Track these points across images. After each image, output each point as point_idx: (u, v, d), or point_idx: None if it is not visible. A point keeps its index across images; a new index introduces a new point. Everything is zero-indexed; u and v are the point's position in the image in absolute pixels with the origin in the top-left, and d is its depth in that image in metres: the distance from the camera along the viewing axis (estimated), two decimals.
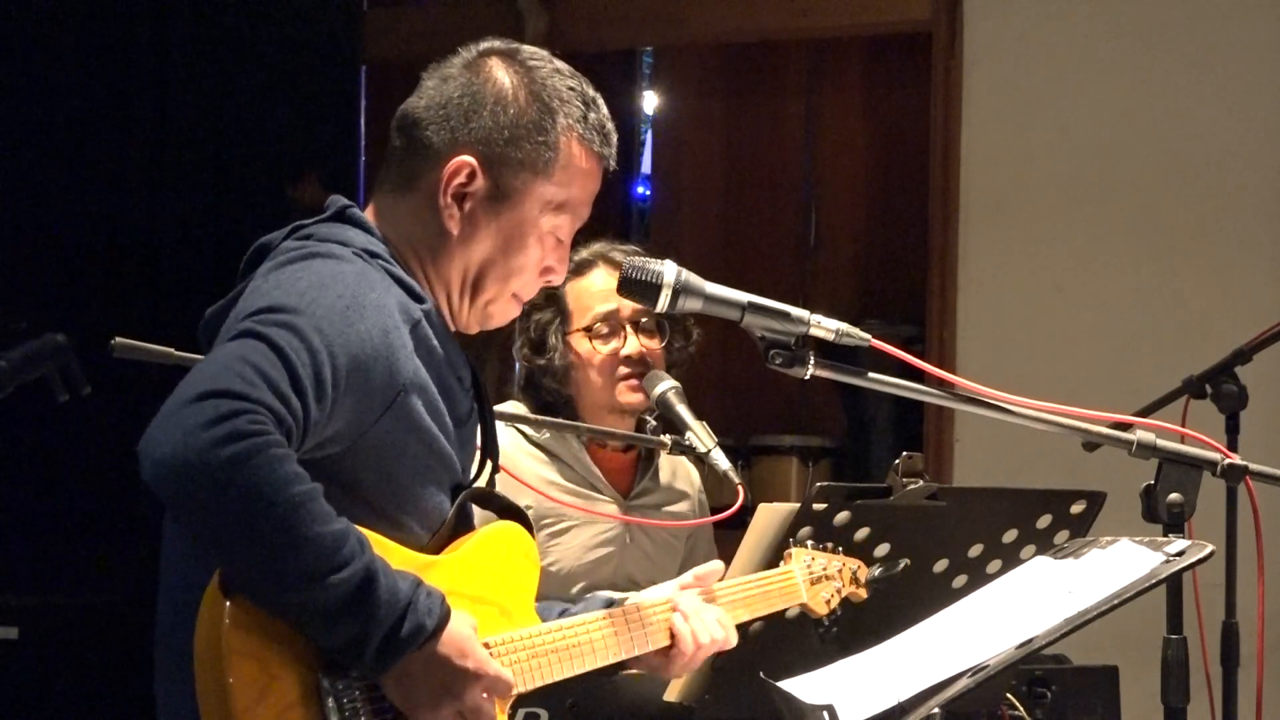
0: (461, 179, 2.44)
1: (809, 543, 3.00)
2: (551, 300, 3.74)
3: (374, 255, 2.40)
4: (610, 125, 2.55)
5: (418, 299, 2.40)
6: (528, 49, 2.54)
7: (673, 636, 2.65)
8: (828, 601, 2.96)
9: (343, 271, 2.32)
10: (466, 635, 2.25)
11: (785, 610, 3.08)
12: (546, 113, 2.47)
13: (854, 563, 3.02)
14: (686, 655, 2.65)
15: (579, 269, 3.75)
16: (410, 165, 2.48)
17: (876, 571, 3.06)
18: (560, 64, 2.54)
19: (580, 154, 2.50)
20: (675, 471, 3.86)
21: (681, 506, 3.83)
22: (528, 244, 2.48)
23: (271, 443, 2.09)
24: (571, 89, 2.51)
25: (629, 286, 2.50)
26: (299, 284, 2.27)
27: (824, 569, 2.97)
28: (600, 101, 2.55)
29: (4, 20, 5.84)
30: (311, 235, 2.41)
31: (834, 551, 3.01)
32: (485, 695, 2.26)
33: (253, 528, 2.09)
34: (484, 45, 2.53)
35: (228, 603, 2.15)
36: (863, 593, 3.03)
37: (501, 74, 2.48)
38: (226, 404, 2.09)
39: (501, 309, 2.53)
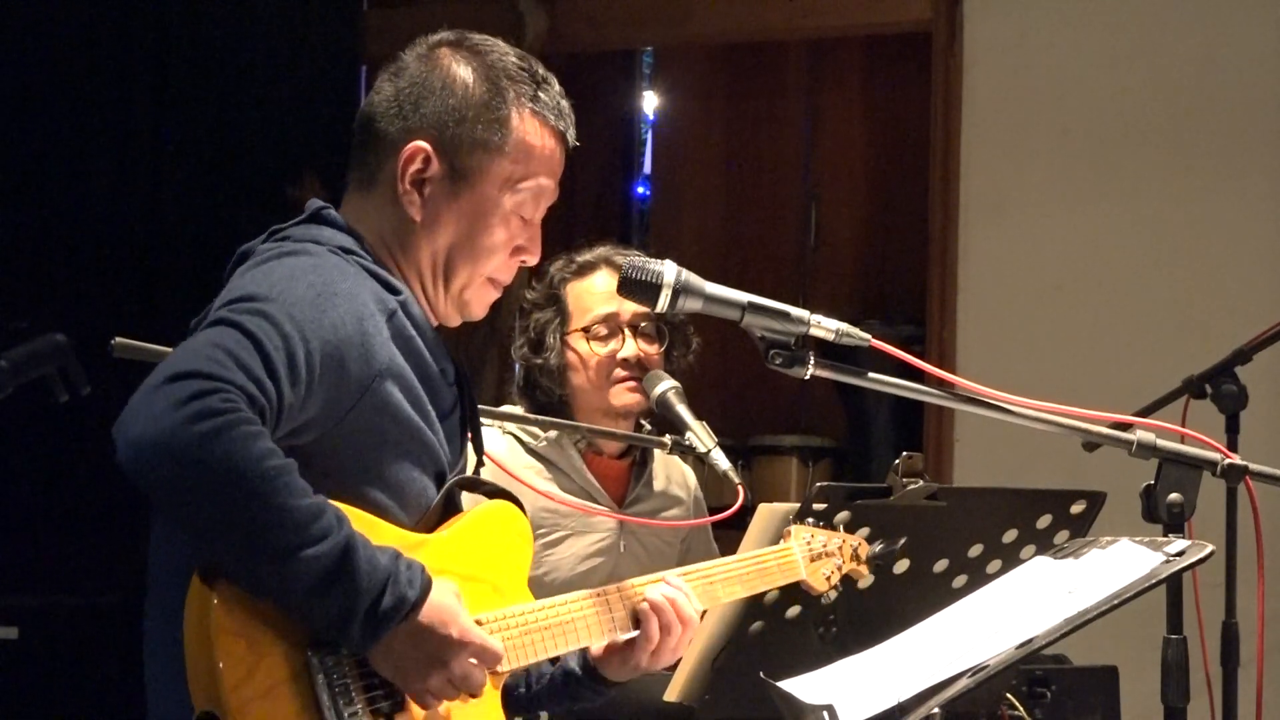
0: (417, 165, 2.46)
1: (809, 520, 3.00)
2: (552, 300, 3.75)
3: (348, 251, 2.41)
4: (565, 103, 2.54)
5: (393, 290, 2.41)
6: (476, 36, 2.55)
7: (638, 624, 2.60)
8: (828, 578, 2.95)
9: (316, 264, 2.34)
10: (449, 604, 2.26)
11: (786, 610, 3.08)
12: (495, 91, 2.48)
13: (855, 540, 3.02)
14: (651, 642, 2.60)
15: (581, 270, 3.75)
16: (370, 161, 2.50)
17: (878, 548, 3.05)
18: (509, 48, 2.55)
19: (535, 129, 2.50)
20: (669, 477, 3.85)
21: (676, 512, 3.83)
22: (492, 224, 2.48)
23: (243, 419, 2.10)
24: (521, 68, 2.51)
25: (629, 286, 2.49)
26: (271, 276, 2.30)
27: (824, 546, 2.96)
28: (553, 81, 2.55)
29: (4, 20, 5.84)
30: (288, 237, 2.44)
31: (834, 529, 3.01)
32: (473, 662, 2.27)
33: (226, 503, 2.10)
34: (433, 38, 2.55)
35: (214, 585, 2.16)
36: (864, 569, 3.02)
37: (449, 60, 2.50)
38: (197, 384, 2.10)
39: (477, 295, 2.53)
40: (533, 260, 2.56)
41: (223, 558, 2.16)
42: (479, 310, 2.55)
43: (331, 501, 2.19)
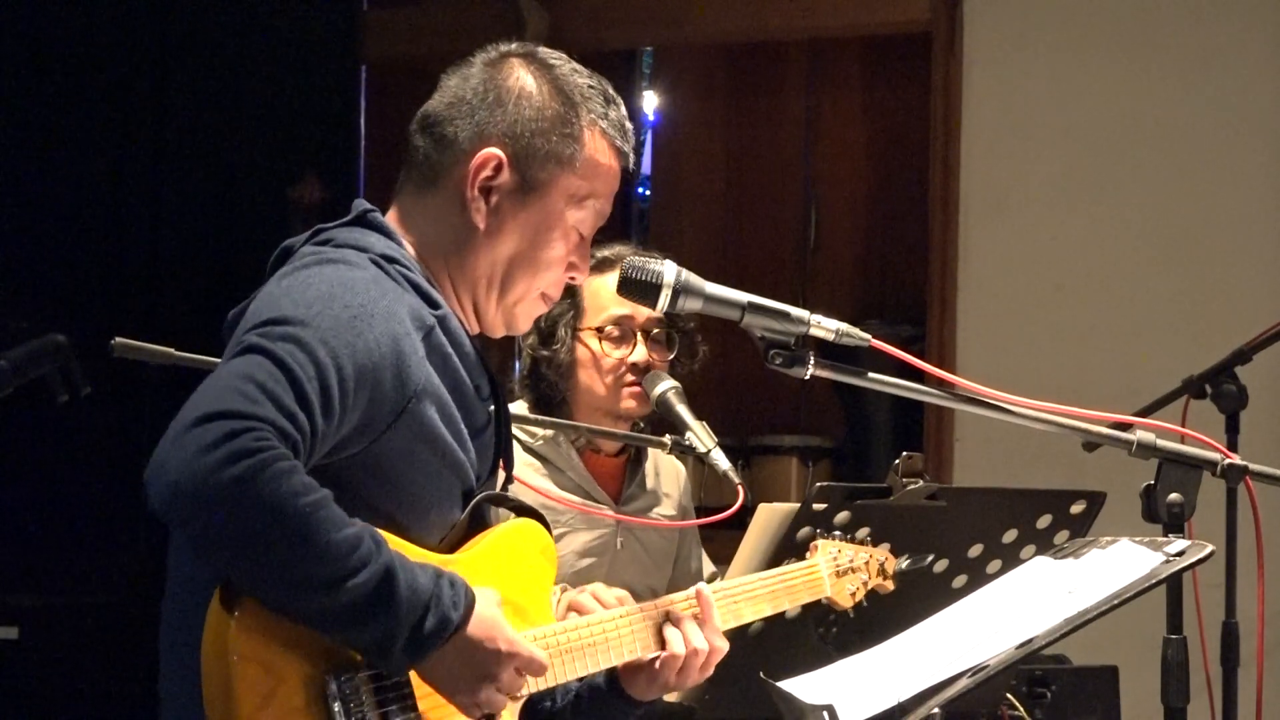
0: (489, 172, 2.44)
1: (836, 534, 2.98)
2: (568, 294, 3.74)
3: (391, 260, 2.38)
4: (629, 125, 2.54)
5: (433, 305, 2.38)
6: (545, 50, 2.54)
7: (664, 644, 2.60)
8: (853, 594, 2.94)
9: (354, 279, 2.30)
10: (495, 616, 2.26)
11: (786, 610, 3.07)
12: (570, 106, 2.48)
13: (881, 554, 3.00)
14: (678, 659, 2.58)
15: (599, 266, 3.74)
16: (433, 163, 2.47)
17: (904, 564, 3.04)
18: (578, 65, 2.55)
19: (603, 148, 2.50)
20: (659, 473, 3.85)
21: (668, 508, 3.83)
22: (554, 238, 2.47)
23: (276, 457, 2.08)
24: (592, 87, 2.52)
25: (629, 286, 2.49)
26: (307, 293, 2.26)
27: (850, 561, 2.94)
28: (620, 102, 2.55)
29: (4, 21, 5.84)
30: (331, 240, 2.40)
31: (861, 543, 3.00)
32: (518, 672, 2.27)
33: (266, 544, 2.09)
34: (503, 48, 2.53)
35: (233, 608, 2.15)
36: (890, 584, 3.00)
37: (523, 71, 2.49)
38: (229, 424, 2.07)
39: (527, 309, 2.52)
40: (582, 278, 2.56)
41: (264, 593, 2.14)
42: (524, 325, 2.54)
43: (369, 526, 2.17)
